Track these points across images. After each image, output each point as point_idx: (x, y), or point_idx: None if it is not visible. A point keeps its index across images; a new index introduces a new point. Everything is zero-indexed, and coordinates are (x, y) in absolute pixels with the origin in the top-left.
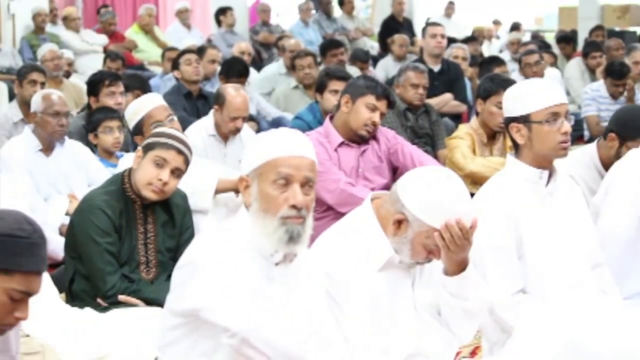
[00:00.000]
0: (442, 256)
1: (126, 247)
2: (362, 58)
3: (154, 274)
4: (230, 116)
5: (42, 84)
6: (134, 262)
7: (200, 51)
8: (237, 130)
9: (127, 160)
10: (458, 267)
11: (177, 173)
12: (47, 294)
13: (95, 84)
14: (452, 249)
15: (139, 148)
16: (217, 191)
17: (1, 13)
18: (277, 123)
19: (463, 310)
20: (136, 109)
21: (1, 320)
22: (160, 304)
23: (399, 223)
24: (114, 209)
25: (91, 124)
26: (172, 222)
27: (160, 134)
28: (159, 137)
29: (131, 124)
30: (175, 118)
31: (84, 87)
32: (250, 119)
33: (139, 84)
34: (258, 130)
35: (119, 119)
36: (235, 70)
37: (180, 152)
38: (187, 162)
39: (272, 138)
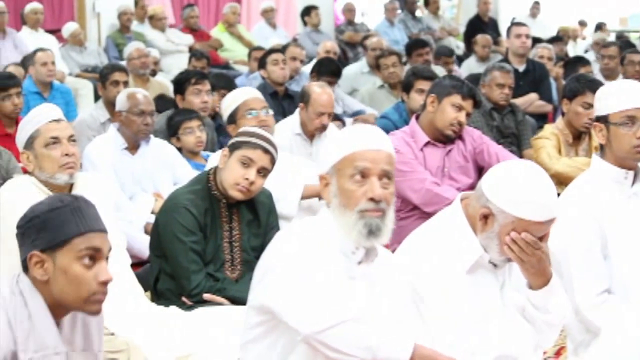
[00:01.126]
0: (520, 269)
1: (211, 246)
2: (446, 53)
3: (239, 273)
4: (316, 112)
5: (125, 83)
6: (219, 260)
7: (284, 49)
8: (324, 128)
9: (214, 161)
10: (539, 279)
11: (264, 172)
12: (132, 293)
13: (181, 83)
14: (524, 259)
15: (225, 147)
16: (303, 197)
17: (86, 12)
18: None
19: (544, 322)
20: (233, 98)
21: (90, 291)
22: (245, 302)
23: (485, 218)
24: (199, 207)
25: (171, 128)
26: (257, 221)
27: (246, 133)
28: (245, 137)
29: (226, 113)
30: (271, 112)
31: (170, 86)
32: (336, 118)
33: (225, 83)
34: None
35: (199, 119)
36: (326, 69)
37: (266, 151)
38: (273, 161)
39: (348, 134)
